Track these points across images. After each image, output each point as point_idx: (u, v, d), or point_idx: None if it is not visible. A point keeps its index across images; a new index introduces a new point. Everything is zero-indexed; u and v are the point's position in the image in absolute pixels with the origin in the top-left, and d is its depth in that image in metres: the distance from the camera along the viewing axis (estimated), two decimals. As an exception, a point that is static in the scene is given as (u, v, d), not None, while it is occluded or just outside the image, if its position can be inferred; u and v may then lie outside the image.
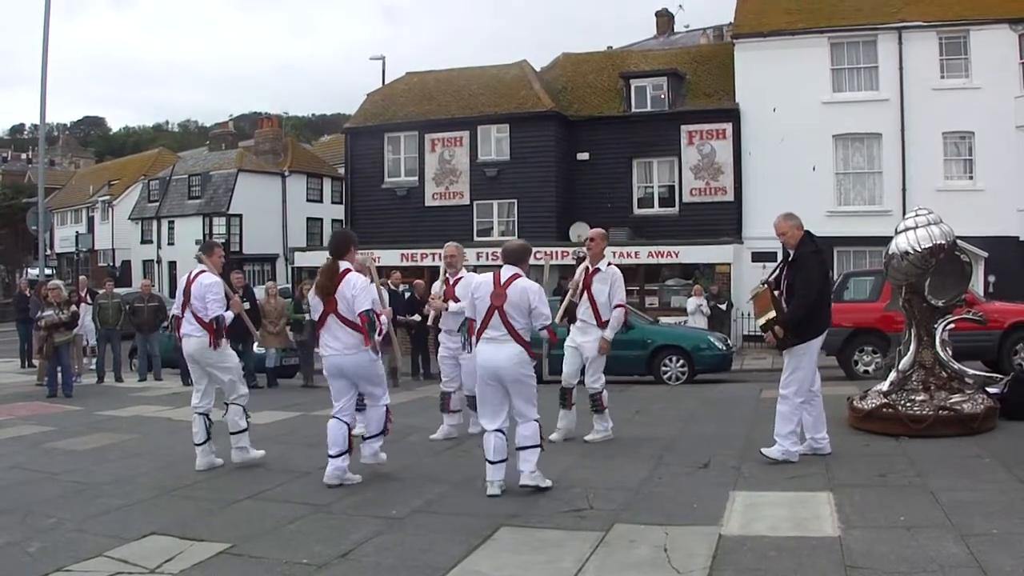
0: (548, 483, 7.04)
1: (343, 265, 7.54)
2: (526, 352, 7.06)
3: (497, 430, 7.09)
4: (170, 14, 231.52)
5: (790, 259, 8.11)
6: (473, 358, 7.52)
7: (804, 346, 7.88)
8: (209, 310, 8.27)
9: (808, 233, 8.06)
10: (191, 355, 8.53)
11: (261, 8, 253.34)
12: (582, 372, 9.39)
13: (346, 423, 7.60)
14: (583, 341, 9.27)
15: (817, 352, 7.99)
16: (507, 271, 7.32)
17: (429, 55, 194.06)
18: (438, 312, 9.84)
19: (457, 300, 9.47)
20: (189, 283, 8.49)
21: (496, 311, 7.11)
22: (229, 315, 8.48)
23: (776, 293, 8.06)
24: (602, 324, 9.18)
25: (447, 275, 10.00)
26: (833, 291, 17.55)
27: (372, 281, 7.95)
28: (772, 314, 7.99)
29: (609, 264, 9.41)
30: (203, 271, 8.50)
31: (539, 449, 7.04)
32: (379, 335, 7.55)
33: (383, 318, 7.75)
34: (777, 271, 8.26)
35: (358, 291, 7.38)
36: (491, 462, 7.08)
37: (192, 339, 8.41)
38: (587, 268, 9.36)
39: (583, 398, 9.43)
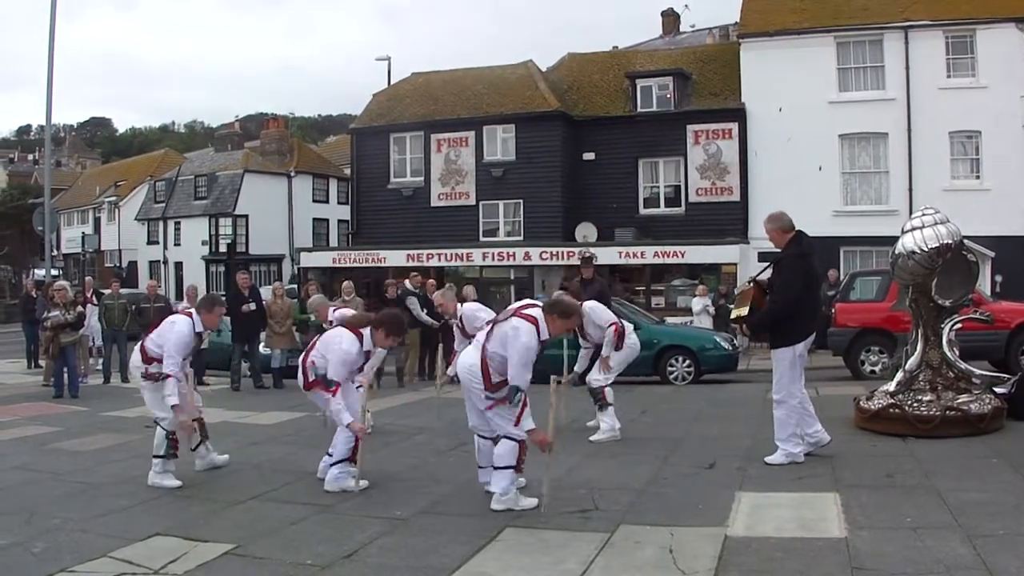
0: (529, 503, 6.55)
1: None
2: (480, 368, 6.59)
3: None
4: (172, 15, 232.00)
5: (776, 260, 8.08)
6: None
7: (787, 350, 7.82)
8: (164, 365, 7.80)
9: (799, 235, 7.96)
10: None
11: (263, 9, 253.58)
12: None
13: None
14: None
15: (799, 356, 7.87)
16: (531, 309, 6.71)
17: (430, 56, 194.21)
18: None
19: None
20: (170, 316, 8.33)
21: (492, 324, 6.82)
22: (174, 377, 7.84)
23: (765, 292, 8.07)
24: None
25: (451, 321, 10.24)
26: (839, 291, 17.66)
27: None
28: (744, 311, 8.05)
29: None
30: (186, 318, 8.14)
31: (511, 471, 6.52)
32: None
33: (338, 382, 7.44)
34: (769, 271, 8.24)
35: (330, 355, 7.45)
36: (478, 466, 7.09)
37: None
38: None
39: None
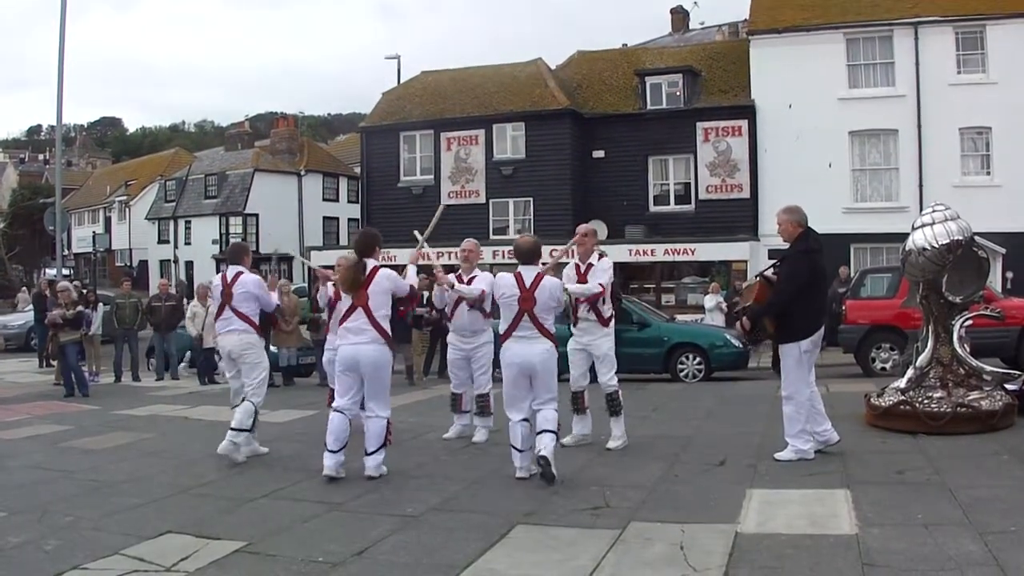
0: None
1: (370, 263, 7.68)
2: (555, 347, 7.51)
3: (523, 419, 7.44)
4: (180, 14, 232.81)
5: (782, 257, 8.06)
6: (504, 355, 7.63)
7: (792, 347, 7.79)
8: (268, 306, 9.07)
9: (807, 231, 7.88)
10: (230, 351, 8.88)
11: (271, 7, 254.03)
12: (590, 374, 9.02)
13: (349, 418, 7.64)
14: (589, 341, 8.82)
15: (807, 353, 7.80)
16: (528, 272, 7.62)
17: (439, 54, 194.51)
18: (444, 285, 9.51)
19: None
20: (229, 284, 8.84)
21: (526, 314, 7.45)
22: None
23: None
24: (604, 322, 8.77)
25: (461, 272, 9.99)
26: (850, 288, 17.61)
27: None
28: (748, 304, 8.06)
29: (601, 256, 8.91)
30: (243, 272, 8.94)
31: (555, 436, 7.38)
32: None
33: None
34: (774, 266, 8.21)
35: (396, 280, 7.80)
36: (519, 450, 7.43)
37: (235, 335, 8.82)
38: (577, 265, 8.97)
39: (595, 399, 9.09)
